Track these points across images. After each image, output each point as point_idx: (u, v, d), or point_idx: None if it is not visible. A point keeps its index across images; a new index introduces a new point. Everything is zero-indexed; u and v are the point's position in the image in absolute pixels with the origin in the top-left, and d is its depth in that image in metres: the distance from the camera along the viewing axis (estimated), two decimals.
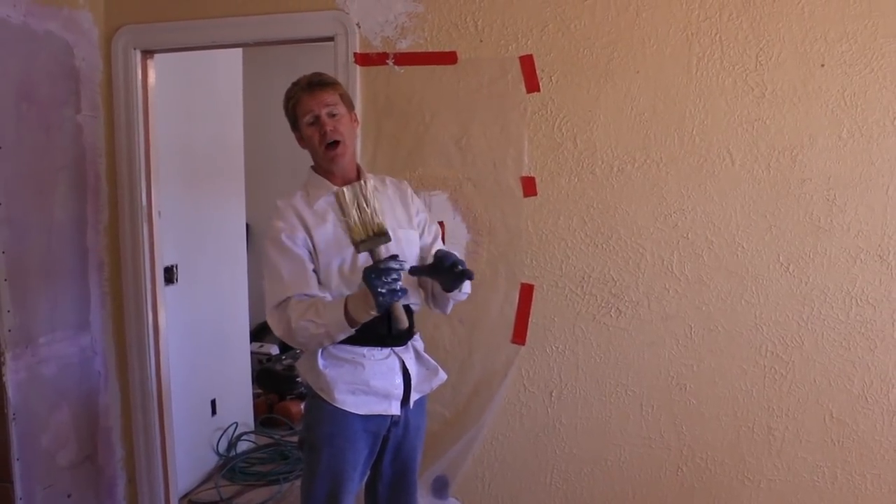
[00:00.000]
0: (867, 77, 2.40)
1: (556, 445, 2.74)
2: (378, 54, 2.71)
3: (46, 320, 2.73)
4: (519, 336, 2.71)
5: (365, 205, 1.86)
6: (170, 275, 3.27)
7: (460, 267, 1.88)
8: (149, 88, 3.00)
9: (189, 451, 3.48)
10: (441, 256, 1.91)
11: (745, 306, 2.55)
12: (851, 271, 2.47)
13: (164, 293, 3.14)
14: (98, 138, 2.95)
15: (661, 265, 2.59)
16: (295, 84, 2.07)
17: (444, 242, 2.62)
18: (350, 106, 2.11)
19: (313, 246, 2.00)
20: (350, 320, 1.87)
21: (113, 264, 3.02)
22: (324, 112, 2.01)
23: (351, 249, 1.94)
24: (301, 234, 1.99)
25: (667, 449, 2.66)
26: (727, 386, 2.59)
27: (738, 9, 2.46)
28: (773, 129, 2.48)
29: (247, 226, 4.31)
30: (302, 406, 4.40)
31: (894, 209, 2.42)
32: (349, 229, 1.87)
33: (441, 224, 2.69)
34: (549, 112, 2.62)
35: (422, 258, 2.12)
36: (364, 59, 2.71)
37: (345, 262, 2.00)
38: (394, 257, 1.83)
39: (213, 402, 3.83)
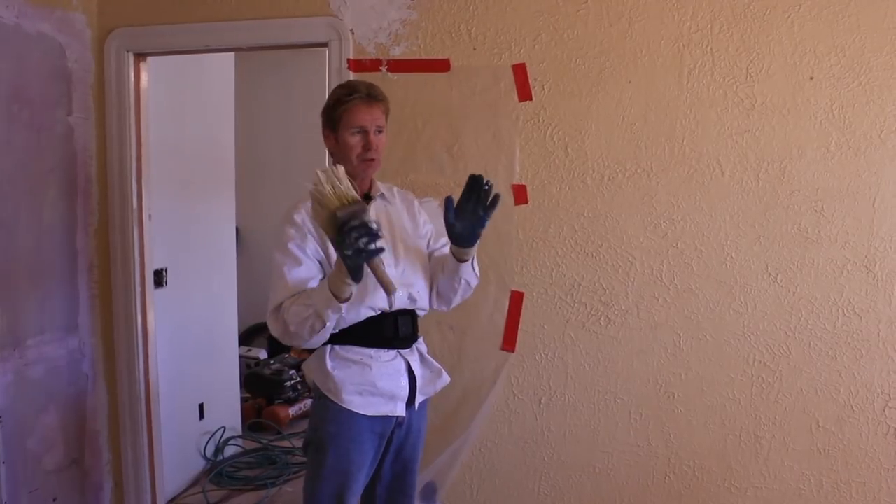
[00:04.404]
0: (855, 90, 2.44)
1: (544, 452, 2.74)
2: (371, 61, 2.72)
3: (34, 322, 2.72)
4: (508, 343, 2.72)
5: (338, 182, 1.82)
6: (159, 278, 3.25)
7: (488, 185, 1.90)
8: (141, 91, 3.00)
9: (176, 456, 3.46)
10: (473, 175, 1.94)
11: (734, 316, 2.57)
12: (838, 282, 2.50)
13: (154, 296, 3.13)
14: (89, 140, 2.94)
15: (651, 274, 2.61)
16: (352, 89, 2.05)
17: None
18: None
19: (327, 256, 1.99)
20: (334, 294, 1.83)
21: (102, 267, 3.01)
22: (373, 128, 2.04)
23: None
24: (312, 245, 1.98)
25: (654, 456, 2.67)
26: (715, 394, 2.61)
27: (729, 21, 2.49)
28: (762, 140, 2.50)
29: (237, 230, 4.30)
30: (290, 411, 4.40)
31: (881, 221, 2.45)
32: (324, 198, 1.78)
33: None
34: (540, 121, 2.63)
35: (432, 267, 2.16)
36: (357, 66, 2.72)
37: None
38: (357, 215, 1.75)
39: (201, 406, 3.81)
